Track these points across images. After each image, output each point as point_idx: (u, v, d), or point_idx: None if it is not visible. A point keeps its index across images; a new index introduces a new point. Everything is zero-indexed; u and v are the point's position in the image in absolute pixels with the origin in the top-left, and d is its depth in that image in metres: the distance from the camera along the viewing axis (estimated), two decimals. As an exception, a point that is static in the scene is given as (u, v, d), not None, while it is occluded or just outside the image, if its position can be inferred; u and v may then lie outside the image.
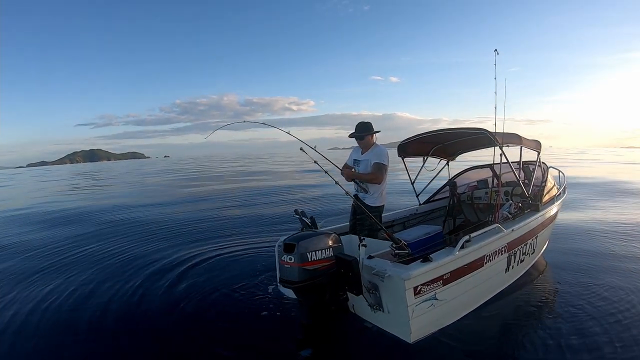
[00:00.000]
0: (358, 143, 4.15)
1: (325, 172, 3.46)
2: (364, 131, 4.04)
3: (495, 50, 4.01)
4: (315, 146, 3.91)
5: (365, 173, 4.02)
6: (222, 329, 3.42)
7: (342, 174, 4.01)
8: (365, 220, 3.95)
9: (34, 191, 21.03)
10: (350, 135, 4.12)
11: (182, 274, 4.84)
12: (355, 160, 4.18)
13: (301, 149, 3.76)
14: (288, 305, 3.70)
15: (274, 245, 3.67)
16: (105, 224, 8.87)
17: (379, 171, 3.90)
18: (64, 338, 3.36)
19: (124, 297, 4.17)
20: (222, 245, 6.27)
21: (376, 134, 4.14)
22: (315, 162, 3.57)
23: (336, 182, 3.40)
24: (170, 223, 8.62)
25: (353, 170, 4.13)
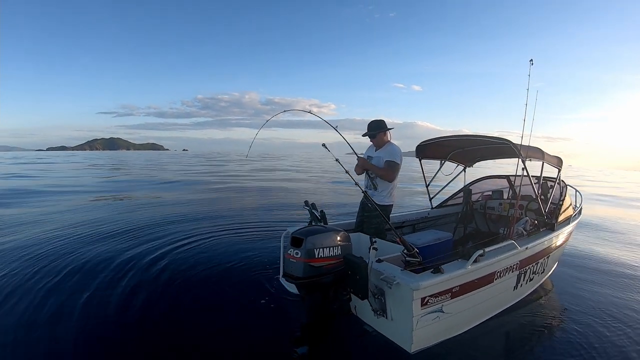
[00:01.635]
0: (371, 141, 4.09)
1: (346, 171, 3.41)
2: (375, 129, 3.98)
3: (531, 60, 3.84)
4: (337, 126, 3.90)
5: (378, 168, 3.95)
6: (217, 320, 3.39)
7: (354, 169, 3.95)
8: (373, 218, 3.90)
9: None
10: (364, 135, 4.08)
11: (175, 257, 4.83)
12: (368, 156, 4.11)
13: (324, 145, 3.80)
14: (289, 299, 3.65)
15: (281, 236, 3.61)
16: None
17: (390, 169, 3.85)
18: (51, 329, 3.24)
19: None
20: (228, 230, 6.29)
21: (389, 131, 4.07)
22: (336, 160, 3.52)
23: (356, 183, 3.44)
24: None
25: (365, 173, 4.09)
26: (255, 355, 2.91)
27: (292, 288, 3.45)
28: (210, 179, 19.43)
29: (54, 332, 3.07)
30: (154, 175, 20.80)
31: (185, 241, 5.65)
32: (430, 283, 2.59)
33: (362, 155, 4.15)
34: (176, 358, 2.85)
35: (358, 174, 3.94)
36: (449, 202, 5.65)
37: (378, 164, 3.94)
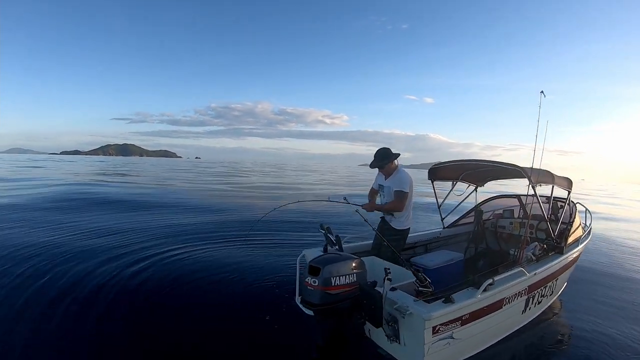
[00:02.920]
0: (380, 171, 4.22)
1: (356, 210, 3.67)
2: (383, 159, 4.07)
3: (542, 92, 3.93)
4: (345, 197, 4.13)
5: (385, 204, 4.11)
6: (230, 341, 3.52)
7: (363, 206, 4.06)
8: (390, 242, 4.01)
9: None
10: (372, 166, 4.17)
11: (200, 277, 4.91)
12: (380, 185, 4.26)
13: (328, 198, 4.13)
14: (305, 321, 3.69)
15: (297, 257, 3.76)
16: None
17: (398, 200, 3.97)
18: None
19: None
20: (249, 245, 6.50)
21: (397, 158, 4.12)
22: (345, 199, 3.85)
23: (365, 220, 3.67)
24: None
25: (378, 196, 4.26)
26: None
27: (307, 310, 3.64)
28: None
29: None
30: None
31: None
32: (441, 313, 2.74)
33: (373, 186, 4.36)
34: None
35: (369, 211, 4.05)
36: (461, 222, 5.76)
37: (388, 193, 4.09)
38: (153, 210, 10.39)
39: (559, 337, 4.08)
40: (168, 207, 11.04)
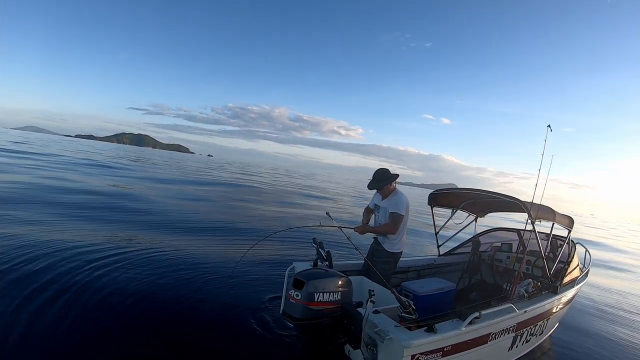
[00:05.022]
0: (378, 192, 4.18)
1: (348, 238, 3.57)
2: (382, 181, 4.03)
3: (549, 126, 3.92)
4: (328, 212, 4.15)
5: (378, 226, 4.08)
6: (218, 345, 3.52)
7: (355, 229, 4.05)
8: (379, 264, 3.95)
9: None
10: (370, 187, 4.12)
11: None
12: (376, 205, 4.23)
13: (327, 213, 4.02)
14: (288, 334, 3.75)
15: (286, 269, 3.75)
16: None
17: (393, 222, 3.92)
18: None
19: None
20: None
21: (395, 180, 4.09)
22: (339, 227, 3.70)
23: (356, 248, 3.56)
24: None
25: (373, 214, 4.23)
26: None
27: (289, 322, 3.61)
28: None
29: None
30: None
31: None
32: (422, 342, 2.69)
33: (369, 205, 4.35)
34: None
35: (361, 235, 4.04)
36: (457, 251, 5.69)
37: (383, 214, 4.05)
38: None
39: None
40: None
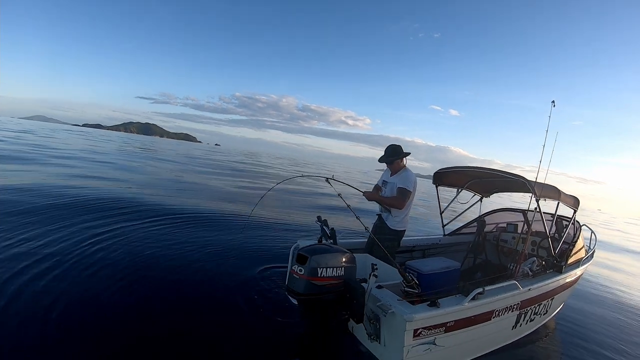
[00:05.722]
0: (387, 166, 4.18)
1: (348, 205, 3.48)
2: (392, 155, 4.05)
3: (553, 102, 3.84)
4: (333, 175, 3.91)
5: (386, 197, 4.05)
6: (216, 323, 3.51)
7: (364, 193, 4.04)
8: (384, 242, 3.94)
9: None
10: (380, 160, 4.14)
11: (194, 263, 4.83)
12: (384, 181, 4.22)
13: (327, 180, 3.77)
14: (291, 310, 3.76)
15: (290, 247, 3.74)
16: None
17: (401, 196, 3.90)
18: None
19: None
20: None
21: (406, 157, 4.11)
22: (339, 195, 3.51)
23: (357, 217, 3.40)
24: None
25: (381, 191, 4.16)
26: (251, 358, 3.07)
27: (292, 298, 3.61)
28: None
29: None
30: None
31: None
32: (425, 316, 2.69)
33: (378, 183, 4.30)
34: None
35: (368, 200, 4.04)
36: (462, 231, 5.66)
37: (391, 189, 4.03)
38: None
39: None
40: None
